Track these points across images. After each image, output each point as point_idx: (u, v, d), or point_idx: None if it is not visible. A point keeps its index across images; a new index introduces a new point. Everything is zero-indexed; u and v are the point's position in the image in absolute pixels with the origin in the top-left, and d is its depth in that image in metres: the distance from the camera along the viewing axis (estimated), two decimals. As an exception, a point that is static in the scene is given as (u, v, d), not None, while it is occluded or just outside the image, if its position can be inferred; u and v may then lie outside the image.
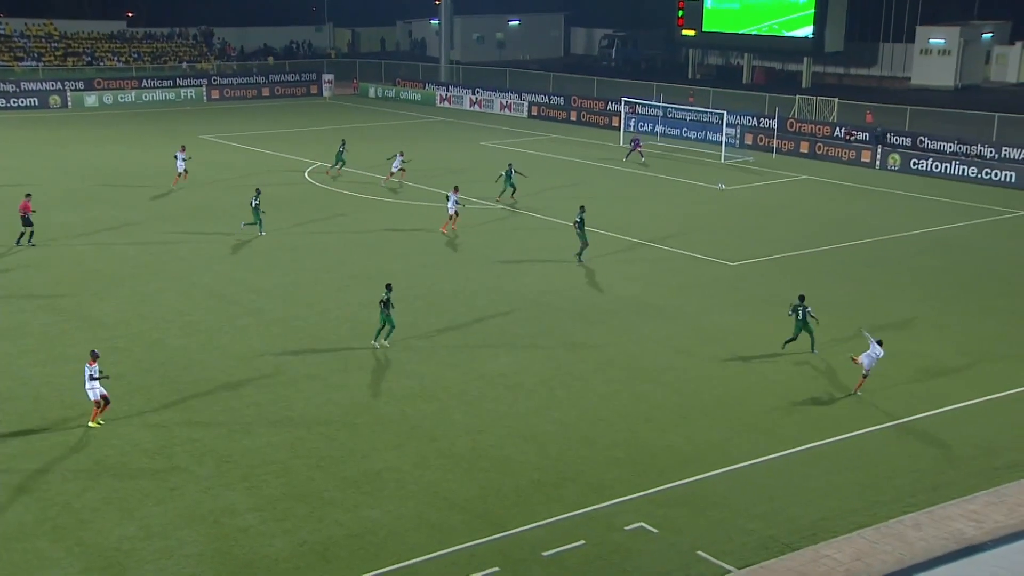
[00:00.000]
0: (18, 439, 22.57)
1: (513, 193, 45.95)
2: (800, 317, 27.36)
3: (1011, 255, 38.58)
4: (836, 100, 65.15)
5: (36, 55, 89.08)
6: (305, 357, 27.51)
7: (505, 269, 35.82)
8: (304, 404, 24.52)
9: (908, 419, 23.94)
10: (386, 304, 27.54)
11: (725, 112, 61.15)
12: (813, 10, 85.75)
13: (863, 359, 24.95)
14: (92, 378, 22.85)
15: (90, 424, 23.03)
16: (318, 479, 20.90)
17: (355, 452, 22.07)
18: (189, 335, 29.08)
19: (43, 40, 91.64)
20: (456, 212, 39.88)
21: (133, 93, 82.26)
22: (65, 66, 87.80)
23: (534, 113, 75.84)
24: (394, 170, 49.71)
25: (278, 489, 20.46)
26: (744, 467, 21.57)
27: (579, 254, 36.38)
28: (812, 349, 27.84)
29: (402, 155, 50.14)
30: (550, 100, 75.97)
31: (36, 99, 78.06)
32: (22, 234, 37.97)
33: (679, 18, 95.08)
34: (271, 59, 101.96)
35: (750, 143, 61.60)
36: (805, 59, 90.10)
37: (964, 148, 54.72)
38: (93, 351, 23.40)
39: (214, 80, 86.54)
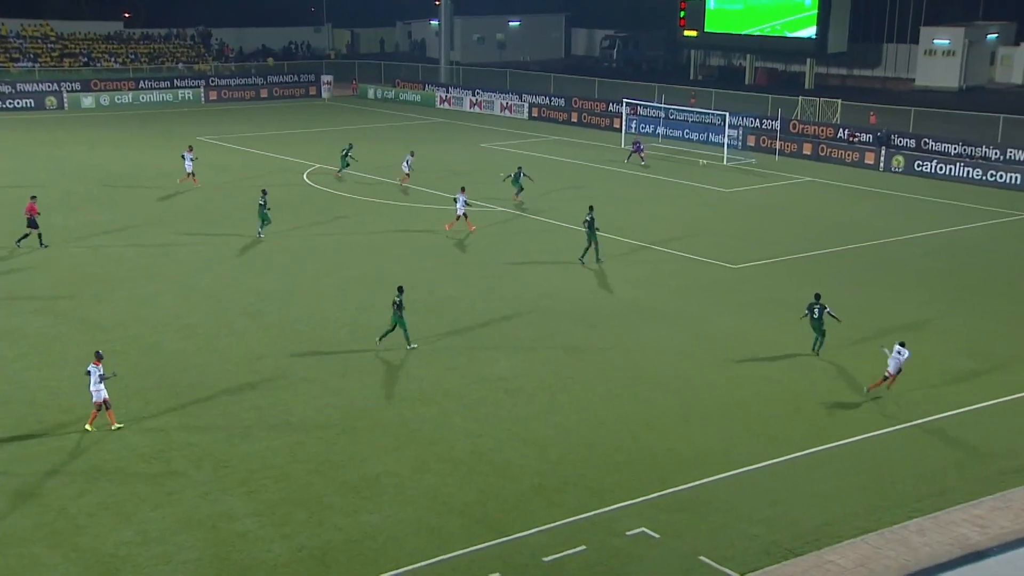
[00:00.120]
0: (14, 443, 22.40)
1: (518, 194, 45.98)
2: (816, 316, 27.14)
3: (1017, 257, 38.38)
4: (839, 101, 64.89)
5: (32, 56, 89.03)
6: (304, 360, 27.34)
7: (506, 271, 35.65)
8: (303, 408, 24.35)
9: (913, 423, 23.76)
10: (398, 307, 27.38)
11: (727, 113, 61.01)
12: (816, 11, 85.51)
13: (890, 363, 24.67)
14: (103, 378, 22.67)
15: (87, 427, 22.82)
16: (317, 484, 20.73)
17: (354, 456, 21.91)
18: (187, 338, 28.91)
19: (39, 41, 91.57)
20: (464, 213, 39.85)
21: (130, 94, 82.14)
22: (61, 67, 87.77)
23: (535, 115, 75.66)
24: (406, 170, 49.64)
25: (277, 494, 20.30)
26: (747, 471, 21.39)
27: (591, 256, 36.04)
28: (813, 349, 27.65)
29: (412, 155, 50.15)
30: (551, 101, 75.78)
31: (32, 100, 77.93)
32: (24, 235, 37.77)
33: (681, 19, 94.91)
34: (270, 60, 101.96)
35: (752, 145, 61.35)
36: (808, 60, 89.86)
37: (969, 150, 54.47)
38: (97, 352, 23.29)
39: (212, 81, 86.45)
